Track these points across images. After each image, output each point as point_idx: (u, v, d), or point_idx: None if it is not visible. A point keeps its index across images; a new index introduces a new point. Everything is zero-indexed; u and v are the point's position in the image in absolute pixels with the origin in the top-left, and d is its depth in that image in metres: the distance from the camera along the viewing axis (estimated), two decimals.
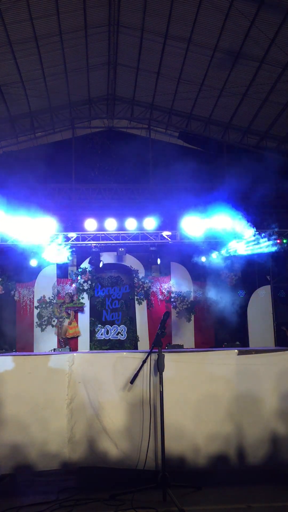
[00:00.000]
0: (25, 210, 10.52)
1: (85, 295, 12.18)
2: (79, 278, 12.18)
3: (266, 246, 10.80)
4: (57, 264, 12.27)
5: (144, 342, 11.96)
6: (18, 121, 12.96)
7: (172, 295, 12.31)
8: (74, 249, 11.72)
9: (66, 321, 11.84)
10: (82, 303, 12.07)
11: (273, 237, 10.92)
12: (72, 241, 11.38)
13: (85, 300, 12.19)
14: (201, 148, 13.69)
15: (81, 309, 12.06)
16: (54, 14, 9.76)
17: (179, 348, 9.79)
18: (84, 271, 12.23)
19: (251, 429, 4.13)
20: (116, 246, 11.64)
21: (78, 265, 12.39)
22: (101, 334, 12.09)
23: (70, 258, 12.00)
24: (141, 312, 12.25)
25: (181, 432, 4.09)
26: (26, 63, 10.97)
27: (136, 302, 12.28)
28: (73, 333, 11.85)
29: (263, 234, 10.84)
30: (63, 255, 11.42)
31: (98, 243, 11.48)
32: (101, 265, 11.87)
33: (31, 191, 11.62)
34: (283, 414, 4.17)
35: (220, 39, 10.30)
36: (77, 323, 12.00)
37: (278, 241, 11.22)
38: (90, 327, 12.07)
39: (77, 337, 11.93)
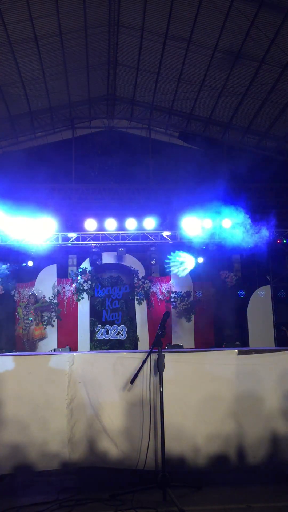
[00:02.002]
0: (25, 210, 10.53)
1: (85, 295, 12.18)
2: (79, 278, 12.18)
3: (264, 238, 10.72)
4: (57, 264, 12.28)
5: (144, 342, 11.97)
6: (18, 121, 12.95)
7: (172, 295, 12.31)
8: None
9: (34, 323, 11.81)
10: (46, 301, 12.01)
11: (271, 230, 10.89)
12: (72, 241, 11.38)
13: (85, 300, 12.19)
14: (201, 148, 13.69)
15: (48, 308, 11.99)
16: (54, 14, 9.76)
17: (179, 348, 9.80)
18: (84, 271, 12.23)
19: (251, 429, 4.13)
20: (116, 246, 11.64)
21: (78, 265, 12.40)
22: (101, 334, 12.09)
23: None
24: (141, 312, 12.26)
25: (181, 432, 4.09)
26: (26, 63, 10.96)
27: (136, 302, 12.29)
28: (39, 335, 11.82)
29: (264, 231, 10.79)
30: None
31: (98, 243, 11.48)
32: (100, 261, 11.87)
33: (31, 191, 11.61)
34: (283, 414, 4.17)
35: (220, 39, 10.29)
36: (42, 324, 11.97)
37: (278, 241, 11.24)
38: (90, 327, 12.07)
39: (44, 338, 11.89)
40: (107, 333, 12.11)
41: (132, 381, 4.07)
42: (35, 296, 11.94)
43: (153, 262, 12.00)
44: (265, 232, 10.94)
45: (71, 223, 11.49)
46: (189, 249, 11.65)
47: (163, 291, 12.37)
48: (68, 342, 11.62)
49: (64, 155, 12.92)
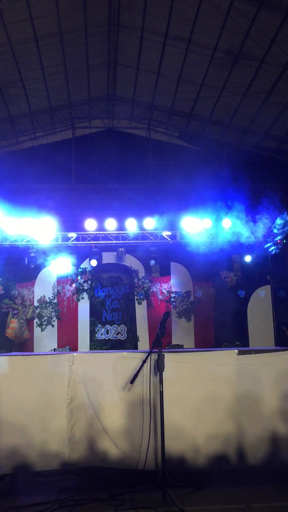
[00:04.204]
0: (25, 210, 10.53)
1: (85, 295, 12.18)
2: (79, 278, 12.18)
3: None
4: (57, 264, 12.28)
5: (144, 342, 11.96)
6: (18, 121, 12.96)
7: (172, 295, 12.31)
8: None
9: (25, 323, 11.81)
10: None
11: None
12: (72, 241, 11.38)
13: (85, 300, 12.19)
14: (201, 148, 13.69)
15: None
16: (54, 14, 9.76)
17: (179, 348, 9.79)
18: (84, 271, 12.23)
19: (251, 429, 4.13)
20: (116, 246, 11.63)
21: (78, 265, 12.40)
22: (101, 334, 12.09)
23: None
24: (141, 312, 12.25)
25: (181, 432, 4.09)
26: (26, 63, 10.96)
27: (136, 302, 12.28)
28: (27, 335, 11.84)
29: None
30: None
31: (98, 243, 11.48)
32: (94, 263, 11.83)
33: (31, 191, 11.62)
34: (283, 414, 4.17)
35: (220, 39, 10.29)
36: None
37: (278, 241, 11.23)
38: (90, 327, 12.07)
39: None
40: (107, 333, 12.11)
41: (132, 381, 4.07)
42: (23, 297, 11.93)
43: (152, 264, 11.99)
44: (265, 232, 10.94)
45: (71, 223, 11.48)
46: (189, 249, 11.64)
47: (163, 291, 12.37)
48: (68, 342, 11.61)
49: (64, 155, 12.93)
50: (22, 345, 11.60)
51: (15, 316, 11.72)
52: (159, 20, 10.27)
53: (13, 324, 11.62)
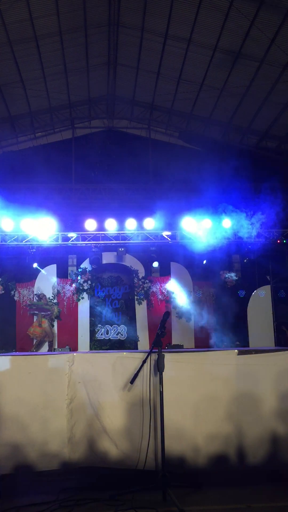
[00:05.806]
0: (25, 210, 10.54)
1: (85, 295, 12.18)
2: (79, 278, 12.18)
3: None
4: (57, 264, 12.29)
5: (144, 342, 11.96)
6: (18, 121, 12.95)
7: (172, 295, 12.31)
8: None
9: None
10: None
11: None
12: (72, 241, 11.38)
13: (85, 300, 12.19)
14: (201, 148, 13.68)
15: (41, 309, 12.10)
16: (54, 14, 9.76)
17: (179, 348, 9.80)
18: (84, 271, 12.23)
19: (251, 429, 4.13)
20: (116, 246, 11.64)
21: (78, 265, 12.40)
22: (101, 334, 12.09)
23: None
24: (141, 312, 12.25)
25: (181, 432, 4.09)
26: (26, 63, 10.96)
27: (136, 302, 12.28)
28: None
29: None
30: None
31: (98, 243, 11.48)
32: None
33: (31, 191, 11.61)
34: (282, 414, 4.17)
35: (220, 39, 10.29)
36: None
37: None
38: (90, 327, 12.07)
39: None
40: (107, 333, 12.11)
41: (132, 381, 4.07)
42: (45, 297, 12.01)
43: (155, 265, 12.06)
44: (265, 232, 10.95)
45: (71, 223, 11.49)
46: (189, 249, 11.64)
47: (163, 291, 12.37)
48: (68, 342, 11.62)
49: (64, 155, 12.92)
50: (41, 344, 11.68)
51: (46, 317, 11.78)
52: (159, 20, 10.27)
53: (44, 324, 11.70)
